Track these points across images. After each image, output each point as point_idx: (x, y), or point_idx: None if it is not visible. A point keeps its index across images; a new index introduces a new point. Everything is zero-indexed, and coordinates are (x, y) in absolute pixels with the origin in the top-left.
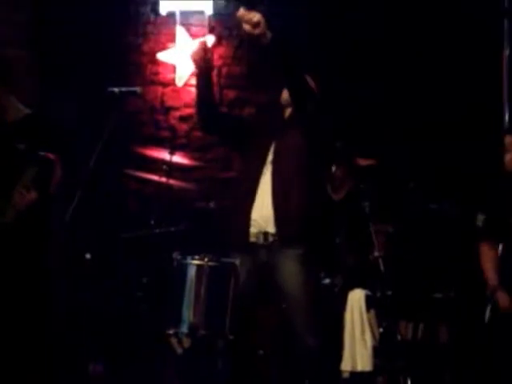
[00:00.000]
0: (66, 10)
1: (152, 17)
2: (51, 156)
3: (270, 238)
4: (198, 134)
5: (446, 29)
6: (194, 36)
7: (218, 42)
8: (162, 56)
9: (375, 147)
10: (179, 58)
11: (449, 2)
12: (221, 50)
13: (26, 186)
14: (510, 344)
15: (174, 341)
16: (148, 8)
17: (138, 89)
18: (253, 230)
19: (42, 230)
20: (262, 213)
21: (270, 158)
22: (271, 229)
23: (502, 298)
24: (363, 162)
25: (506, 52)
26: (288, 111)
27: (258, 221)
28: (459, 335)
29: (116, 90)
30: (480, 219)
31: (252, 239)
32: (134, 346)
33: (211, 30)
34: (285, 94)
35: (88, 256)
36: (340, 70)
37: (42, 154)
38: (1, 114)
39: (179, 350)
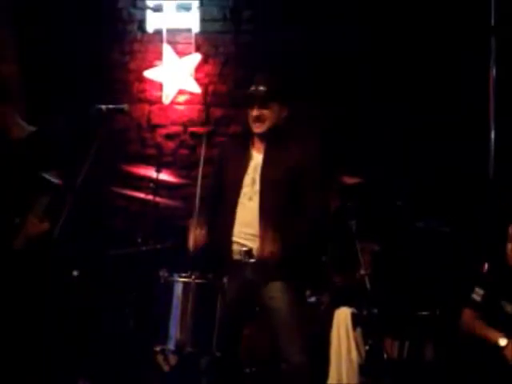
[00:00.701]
0: (52, 28)
1: (139, 35)
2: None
3: (255, 256)
4: (184, 151)
5: (432, 47)
6: (180, 54)
7: (205, 60)
8: (148, 74)
9: (361, 166)
10: (166, 76)
11: (436, 19)
12: (207, 68)
13: (38, 216)
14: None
15: (160, 358)
16: (135, 26)
17: (125, 106)
18: (237, 249)
19: (46, 256)
20: (247, 231)
21: (253, 177)
22: (256, 246)
23: None
24: (349, 181)
25: (493, 70)
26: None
27: (242, 239)
28: (445, 353)
29: (103, 107)
30: (479, 293)
31: (236, 257)
32: (121, 362)
33: (197, 48)
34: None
35: (75, 273)
36: (328, 89)
37: (56, 181)
38: (5, 133)
39: (166, 368)
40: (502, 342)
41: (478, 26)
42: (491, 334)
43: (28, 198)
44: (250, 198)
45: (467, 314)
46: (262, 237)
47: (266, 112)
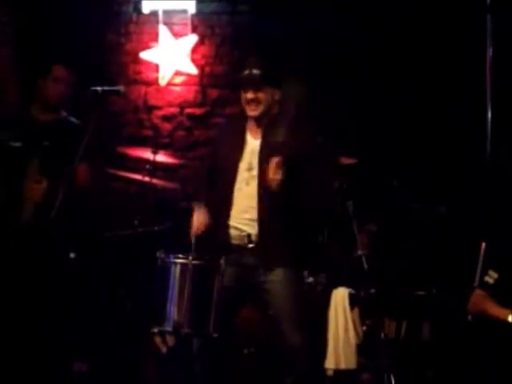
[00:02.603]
0: (48, 11)
1: (134, 16)
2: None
3: (254, 240)
4: (181, 133)
5: (427, 26)
6: (176, 35)
7: (201, 42)
8: (144, 55)
9: (358, 146)
10: (162, 57)
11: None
12: (203, 49)
13: (33, 179)
14: (491, 344)
15: (158, 339)
16: (130, 7)
17: (120, 88)
18: (235, 233)
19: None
20: (245, 216)
21: (250, 162)
22: (254, 231)
23: None
24: (346, 161)
25: (490, 51)
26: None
27: (240, 224)
28: (442, 332)
29: (99, 89)
30: (492, 276)
31: (234, 241)
32: (118, 345)
33: (194, 29)
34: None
35: (72, 255)
36: (324, 71)
37: (46, 143)
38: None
39: (163, 349)
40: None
41: (474, 6)
42: (501, 311)
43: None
44: (248, 183)
45: (477, 295)
46: (261, 224)
47: (260, 95)
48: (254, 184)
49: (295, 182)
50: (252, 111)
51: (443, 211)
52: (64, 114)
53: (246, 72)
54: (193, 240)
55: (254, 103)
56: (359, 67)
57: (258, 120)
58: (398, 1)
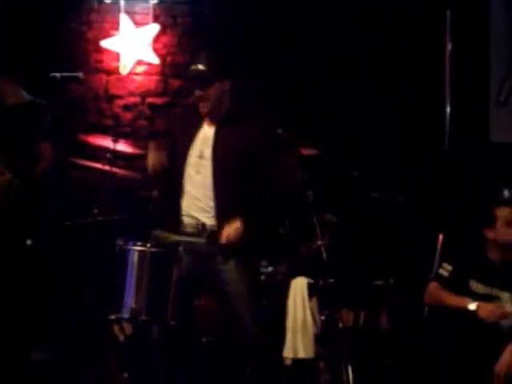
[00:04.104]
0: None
1: (96, 4)
2: None
3: (209, 229)
4: (142, 122)
5: (387, 22)
6: (138, 24)
7: (163, 31)
8: (105, 44)
9: (320, 138)
10: (123, 46)
11: None
12: (165, 39)
13: None
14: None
15: (116, 327)
16: None
17: (79, 74)
18: (188, 222)
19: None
20: (197, 203)
21: (201, 150)
22: (208, 221)
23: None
24: (307, 152)
25: (449, 46)
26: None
27: (194, 214)
28: (399, 322)
29: (58, 75)
30: (446, 269)
31: (188, 230)
32: (76, 333)
33: (155, 19)
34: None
35: (29, 242)
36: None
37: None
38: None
39: (121, 337)
40: (472, 305)
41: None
42: (459, 300)
43: None
44: (198, 171)
45: (433, 286)
46: (217, 213)
47: (208, 92)
48: (206, 172)
49: (253, 172)
50: (202, 108)
51: (401, 201)
52: (28, 97)
53: (192, 68)
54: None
55: (202, 100)
56: (318, 59)
57: (209, 115)
58: None
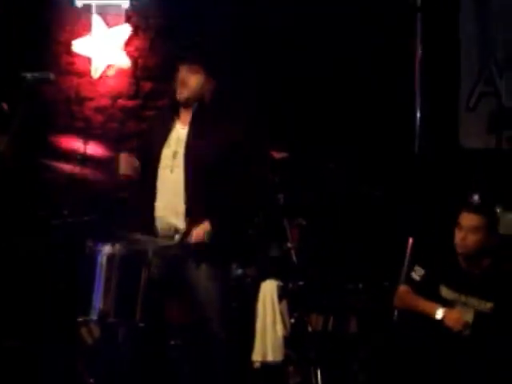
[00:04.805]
0: None
1: (68, 5)
2: None
3: (180, 233)
4: (112, 125)
5: (356, 26)
6: (110, 25)
7: (135, 33)
8: (77, 46)
9: (288, 140)
10: (95, 48)
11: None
12: (137, 42)
13: None
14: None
15: (84, 330)
16: None
17: (50, 75)
18: (161, 224)
19: None
20: (170, 205)
21: (174, 147)
22: (181, 225)
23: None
24: (277, 155)
25: (419, 51)
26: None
27: (167, 216)
28: (368, 326)
29: (28, 75)
30: (418, 273)
31: (162, 233)
32: (44, 336)
33: (127, 20)
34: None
35: None
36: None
37: None
38: None
39: (89, 340)
40: (439, 314)
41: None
42: (428, 306)
43: None
44: (172, 171)
45: (403, 290)
46: (188, 215)
47: (191, 78)
48: (179, 172)
49: (225, 172)
50: (180, 93)
51: (377, 195)
52: None
53: (187, 42)
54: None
55: (183, 85)
56: (290, 63)
57: (187, 106)
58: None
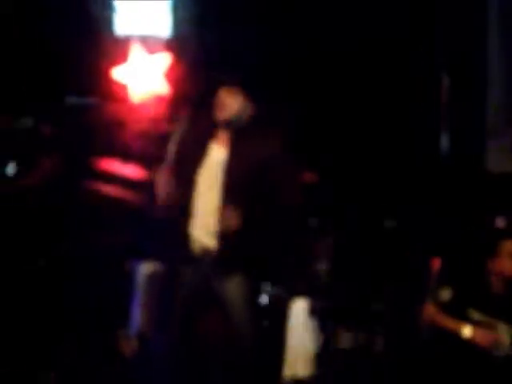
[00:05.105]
0: (23, 23)
1: (109, 34)
2: None
3: (212, 254)
4: (151, 148)
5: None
6: (150, 53)
7: (174, 60)
8: (117, 73)
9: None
10: (135, 75)
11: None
12: (176, 69)
13: None
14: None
15: (123, 343)
16: (105, 25)
17: (93, 100)
18: (196, 243)
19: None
20: (205, 230)
21: (212, 167)
22: (213, 245)
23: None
24: (309, 178)
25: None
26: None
27: (201, 237)
28: (395, 345)
29: (72, 100)
30: (447, 293)
31: (196, 251)
32: (84, 349)
33: (167, 47)
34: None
35: (42, 262)
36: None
37: None
38: None
39: (128, 353)
40: (468, 330)
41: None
42: (457, 324)
43: None
44: (208, 190)
45: (431, 308)
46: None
47: (231, 100)
48: (215, 192)
49: (263, 193)
50: (221, 114)
51: (392, 225)
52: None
53: (227, 72)
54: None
55: (223, 106)
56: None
57: (226, 127)
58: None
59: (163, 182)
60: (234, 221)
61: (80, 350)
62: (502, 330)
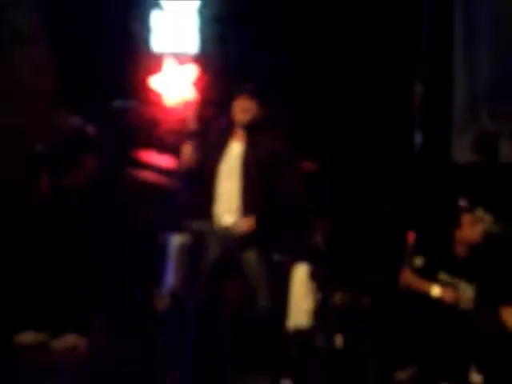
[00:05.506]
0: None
1: (147, 50)
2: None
3: (235, 228)
4: (181, 143)
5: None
6: (180, 64)
7: (200, 72)
8: (154, 81)
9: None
10: (167, 83)
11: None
12: (202, 79)
13: None
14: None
15: (158, 301)
16: (143, 43)
17: (134, 103)
18: (219, 218)
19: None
20: (227, 209)
21: (232, 161)
22: (234, 219)
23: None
24: (308, 167)
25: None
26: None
27: (223, 215)
28: (379, 302)
29: (117, 104)
30: (420, 260)
31: (220, 225)
32: (126, 308)
33: (195, 61)
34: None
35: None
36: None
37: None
38: None
39: (162, 309)
40: (437, 290)
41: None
42: (428, 285)
43: None
44: (229, 178)
45: (407, 273)
46: (242, 213)
47: (251, 104)
48: (236, 180)
49: (271, 180)
50: (243, 117)
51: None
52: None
53: (246, 84)
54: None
55: (244, 111)
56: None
57: (245, 125)
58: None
59: (188, 151)
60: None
61: (124, 306)
62: (465, 288)
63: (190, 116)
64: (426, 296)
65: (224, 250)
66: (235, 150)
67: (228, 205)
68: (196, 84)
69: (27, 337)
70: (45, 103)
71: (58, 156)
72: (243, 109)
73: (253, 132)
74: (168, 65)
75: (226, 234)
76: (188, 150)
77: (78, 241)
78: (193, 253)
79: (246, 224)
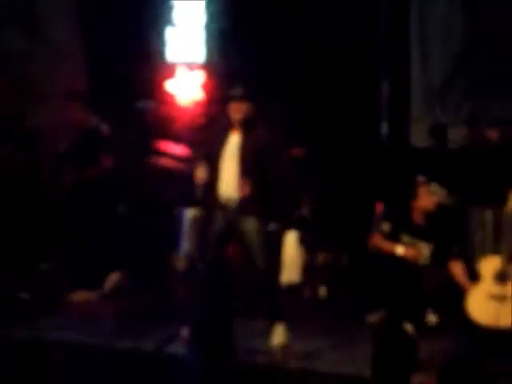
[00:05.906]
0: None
1: (162, 59)
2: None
3: (236, 202)
4: (191, 135)
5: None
6: (190, 70)
7: (206, 77)
8: (168, 84)
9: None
10: (180, 87)
11: None
12: (207, 83)
13: None
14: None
15: (176, 262)
16: (160, 53)
17: (153, 103)
18: (223, 195)
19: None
20: (229, 187)
21: (232, 148)
22: (235, 195)
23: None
24: (296, 152)
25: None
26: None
27: (226, 192)
28: (356, 262)
29: (140, 103)
30: (387, 225)
31: (224, 200)
32: (149, 267)
33: (202, 68)
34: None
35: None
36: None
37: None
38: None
39: (179, 268)
40: (401, 249)
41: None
42: (394, 246)
43: None
44: (230, 162)
45: (376, 236)
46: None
47: (242, 105)
48: (235, 163)
49: (265, 163)
50: (237, 115)
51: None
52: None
53: (237, 90)
54: (199, 191)
55: (238, 110)
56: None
57: (239, 122)
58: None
59: (199, 174)
60: (246, 188)
61: (147, 266)
62: (423, 247)
63: (199, 113)
64: (392, 254)
65: (227, 221)
66: (233, 140)
67: (230, 184)
68: (204, 87)
69: (80, 295)
70: (77, 106)
71: (77, 155)
72: (236, 109)
73: (246, 126)
74: (180, 71)
75: (229, 207)
76: (201, 172)
77: (111, 220)
78: (202, 223)
79: (244, 189)
